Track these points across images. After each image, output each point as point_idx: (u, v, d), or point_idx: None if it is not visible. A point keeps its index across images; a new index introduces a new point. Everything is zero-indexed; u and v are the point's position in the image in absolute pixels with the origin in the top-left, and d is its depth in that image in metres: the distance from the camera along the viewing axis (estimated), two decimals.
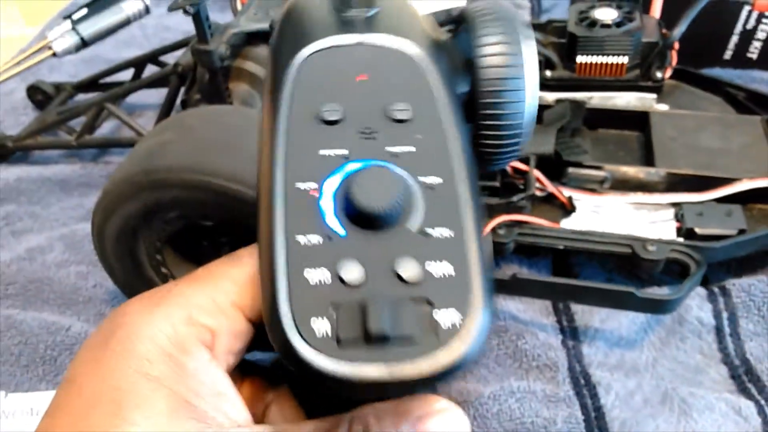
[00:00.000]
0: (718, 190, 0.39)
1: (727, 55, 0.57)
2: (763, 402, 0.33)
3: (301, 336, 0.16)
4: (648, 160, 0.43)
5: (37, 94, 0.61)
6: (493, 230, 0.38)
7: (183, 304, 0.20)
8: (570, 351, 0.37)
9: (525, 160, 0.41)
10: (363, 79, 0.20)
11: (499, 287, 0.37)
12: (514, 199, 0.39)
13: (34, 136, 0.54)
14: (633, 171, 0.41)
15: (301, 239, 0.17)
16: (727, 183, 0.39)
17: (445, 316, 0.16)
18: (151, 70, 0.58)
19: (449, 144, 0.19)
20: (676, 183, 0.40)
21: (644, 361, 0.36)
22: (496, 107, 0.20)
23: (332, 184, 0.18)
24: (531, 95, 0.21)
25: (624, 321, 0.37)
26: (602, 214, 0.40)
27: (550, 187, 0.41)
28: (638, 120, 0.45)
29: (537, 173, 0.41)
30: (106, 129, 0.58)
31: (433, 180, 0.18)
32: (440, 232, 0.17)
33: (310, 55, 0.20)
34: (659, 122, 0.44)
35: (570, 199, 0.40)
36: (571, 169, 0.41)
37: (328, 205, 0.18)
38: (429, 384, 0.17)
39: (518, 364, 0.36)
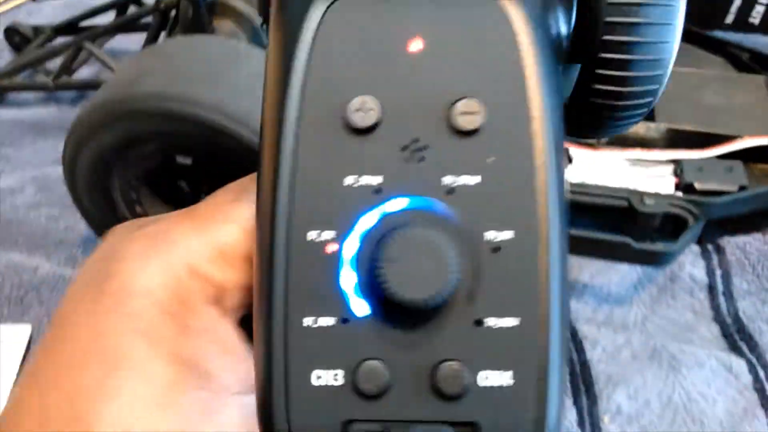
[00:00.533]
0: (719, 147, 0.38)
1: (729, 18, 0.55)
2: (754, 360, 0.32)
3: None
4: (648, 116, 0.41)
5: (15, 36, 0.59)
6: None
7: (182, 252, 0.18)
8: None
9: None
10: (416, 49, 0.13)
11: None
12: None
13: (10, 77, 0.51)
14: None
15: (309, 322, 0.13)
16: (729, 140, 0.38)
17: None
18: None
19: (535, 174, 0.13)
20: (677, 139, 0.39)
21: (633, 317, 0.35)
22: (635, 37, 0.14)
23: (356, 236, 0.13)
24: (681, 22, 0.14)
25: (614, 277, 0.36)
26: (599, 169, 0.39)
27: None
28: None
29: None
30: (85, 73, 0.56)
31: (504, 236, 0.13)
32: (501, 321, 0.13)
33: (333, 4, 0.13)
34: None
35: (567, 151, 0.39)
36: None
37: (348, 271, 0.13)
38: None
39: None
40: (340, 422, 0.13)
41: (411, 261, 0.12)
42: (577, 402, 0.31)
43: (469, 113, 0.13)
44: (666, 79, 0.15)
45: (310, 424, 0.13)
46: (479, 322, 0.13)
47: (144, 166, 0.33)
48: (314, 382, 0.13)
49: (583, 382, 0.32)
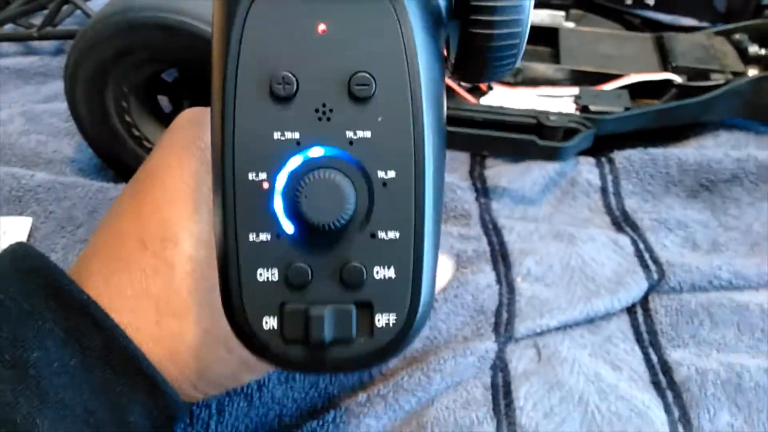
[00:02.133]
0: (611, 83, 0.47)
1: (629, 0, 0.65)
2: (636, 237, 0.40)
3: (252, 330, 0.18)
4: (555, 60, 0.50)
5: None
6: None
7: None
8: (482, 205, 0.43)
9: None
10: (323, 32, 0.17)
11: None
12: None
13: None
14: (542, 68, 0.49)
15: (252, 237, 0.17)
16: (618, 77, 0.47)
17: (382, 318, 0.17)
18: None
19: (413, 129, 0.17)
20: (578, 78, 0.48)
21: (542, 213, 0.43)
22: (496, 2, 0.18)
23: (283, 177, 0.17)
24: None
25: (527, 183, 0.44)
26: (515, 101, 0.47)
27: None
28: (550, 35, 0.53)
29: None
30: (69, 26, 0.61)
31: (389, 175, 0.17)
32: (388, 234, 0.17)
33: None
34: (566, 35, 0.52)
35: (488, 86, 0.47)
36: None
37: (278, 201, 0.17)
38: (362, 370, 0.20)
39: None
40: (277, 305, 0.18)
41: (320, 194, 0.17)
42: (496, 268, 0.38)
43: (363, 85, 0.17)
44: (524, 36, 0.19)
45: (257, 306, 0.18)
46: (373, 235, 0.17)
47: (135, 75, 0.39)
48: (259, 278, 0.17)
49: (500, 255, 0.39)
